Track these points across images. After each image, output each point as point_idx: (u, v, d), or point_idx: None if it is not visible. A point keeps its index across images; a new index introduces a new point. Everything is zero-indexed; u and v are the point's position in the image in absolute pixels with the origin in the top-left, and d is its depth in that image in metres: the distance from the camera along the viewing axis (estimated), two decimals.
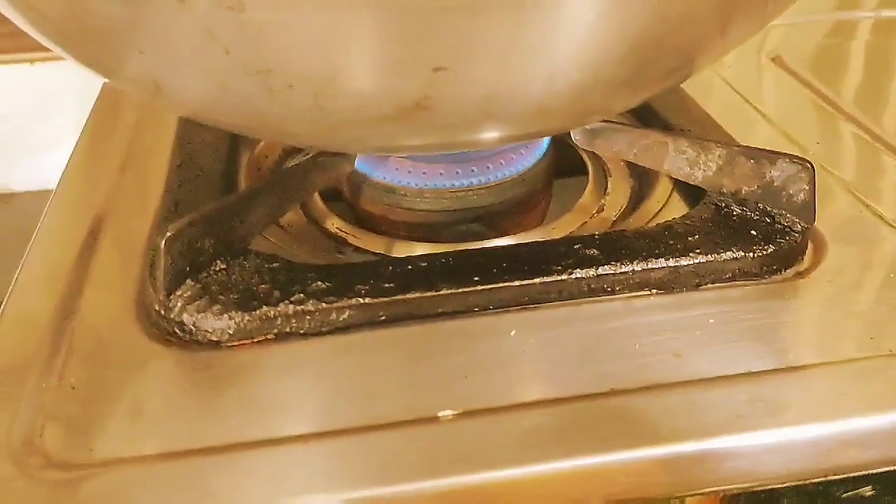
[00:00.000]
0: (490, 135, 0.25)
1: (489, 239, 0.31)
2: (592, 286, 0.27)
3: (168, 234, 0.25)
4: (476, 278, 0.26)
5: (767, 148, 0.29)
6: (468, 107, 0.22)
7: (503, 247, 0.28)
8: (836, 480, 0.23)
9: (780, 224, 0.28)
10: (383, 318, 0.26)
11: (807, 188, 0.28)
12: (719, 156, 0.30)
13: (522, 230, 0.32)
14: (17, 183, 0.57)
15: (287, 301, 0.25)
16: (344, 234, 0.31)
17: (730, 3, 0.22)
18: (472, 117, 0.23)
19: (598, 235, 0.28)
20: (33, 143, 0.56)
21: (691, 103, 0.39)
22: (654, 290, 0.27)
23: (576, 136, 0.34)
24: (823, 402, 0.23)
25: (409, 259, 0.27)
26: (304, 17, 0.18)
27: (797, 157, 0.28)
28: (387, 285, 0.26)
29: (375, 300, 0.25)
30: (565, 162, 0.36)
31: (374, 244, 0.31)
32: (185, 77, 0.21)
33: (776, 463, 0.22)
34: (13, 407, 0.23)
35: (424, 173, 0.32)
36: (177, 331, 0.25)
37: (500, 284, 0.26)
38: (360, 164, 0.32)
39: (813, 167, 0.28)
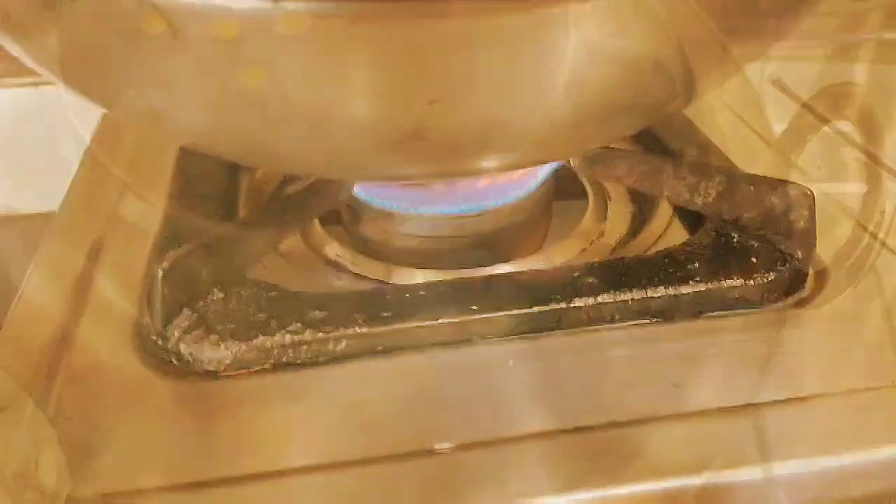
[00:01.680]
0: (488, 163, 0.25)
1: (488, 265, 0.30)
2: (591, 315, 0.26)
3: (165, 264, 0.25)
4: (474, 307, 0.26)
5: (768, 172, 0.29)
6: (465, 137, 0.22)
7: (502, 275, 0.28)
8: None
9: (781, 251, 0.28)
10: (380, 348, 0.25)
11: (807, 215, 0.28)
12: (719, 182, 0.30)
13: (522, 255, 0.32)
14: (21, 204, 0.57)
15: (284, 331, 0.25)
16: (343, 261, 0.31)
17: (732, 30, 0.22)
18: (469, 147, 0.23)
19: (597, 263, 0.28)
20: (38, 166, 0.56)
21: (692, 127, 0.39)
22: (653, 319, 0.27)
23: (574, 162, 0.34)
24: (826, 434, 0.22)
25: (406, 287, 0.27)
26: (298, 51, 0.18)
27: (797, 184, 0.28)
28: (384, 314, 0.26)
29: (372, 329, 0.25)
30: (565, 185, 0.36)
31: (373, 270, 0.31)
32: (182, 109, 0.21)
33: (779, 497, 0.22)
34: (7, 437, 0.23)
35: (423, 199, 0.31)
36: (174, 360, 0.25)
37: (499, 314, 0.26)
38: (358, 190, 0.32)
39: (813, 194, 0.28)
